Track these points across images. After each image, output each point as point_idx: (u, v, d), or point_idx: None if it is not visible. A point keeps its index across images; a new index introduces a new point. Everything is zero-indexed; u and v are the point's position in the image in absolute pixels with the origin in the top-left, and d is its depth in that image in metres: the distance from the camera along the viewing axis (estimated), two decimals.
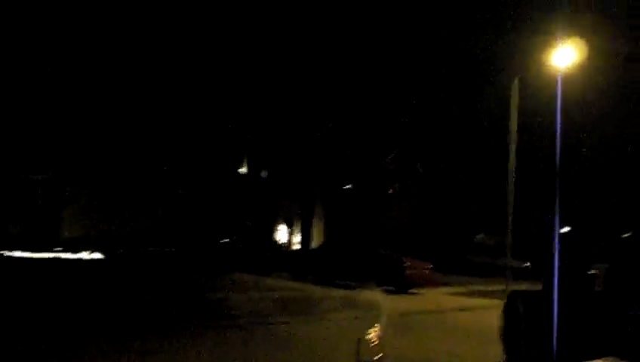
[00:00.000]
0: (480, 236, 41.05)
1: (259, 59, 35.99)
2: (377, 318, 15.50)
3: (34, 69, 27.80)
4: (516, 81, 23.26)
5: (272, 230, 39.21)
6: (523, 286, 20.73)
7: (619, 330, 6.14)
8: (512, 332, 6.63)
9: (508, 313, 6.78)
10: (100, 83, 29.49)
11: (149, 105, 31.09)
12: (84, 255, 26.65)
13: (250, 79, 35.65)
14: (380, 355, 10.60)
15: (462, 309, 18.30)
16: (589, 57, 21.23)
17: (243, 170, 38.11)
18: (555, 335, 5.66)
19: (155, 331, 11.62)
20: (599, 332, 6.11)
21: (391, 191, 43.08)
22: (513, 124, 22.70)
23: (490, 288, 22.83)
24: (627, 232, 7.61)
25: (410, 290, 23.28)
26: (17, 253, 24.87)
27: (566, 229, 45.52)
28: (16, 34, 27.53)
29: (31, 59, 27.89)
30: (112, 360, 9.36)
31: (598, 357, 5.21)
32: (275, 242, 37.50)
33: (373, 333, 11.27)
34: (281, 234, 39.86)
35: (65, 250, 27.12)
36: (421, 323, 15.59)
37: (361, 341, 10.80)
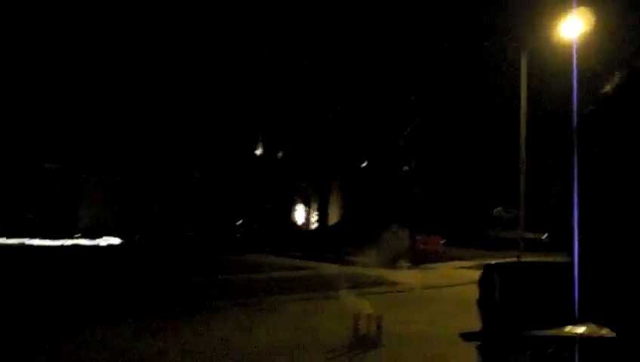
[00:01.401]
0: (498, 210, 41.02)
1: (271, 43, 36.07)
2: (383, 294, 15.73)
3: (46, 59, 28.10)
4: (524, 56, 23.17)
5: (290, 210, 39.43)
6: (536, 258, 20.77)
7: (600, 297, 6.26)
8: (486, 302, 6.82)
9: (483, 284, 6.92)
10: (113, 69, 29.72)
11: (163, 89, 31.29)
12: (103, 241, 27.08)
13: (263, 62, 35.76)
14: (376, 329, 10.85)
15: (470, 282, 18.37)
16: (599, 27, 21.07)
17: (259, 151, 38.31)
18: (576, 299, 5.84)
19: (160, 313, 11.91)
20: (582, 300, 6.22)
21: (406, 168, 43.08)
22: (523, 97, 22.66)
23: (502, 260, 22.85)
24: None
25: (423, 265, 23.42)
26: (37, 241, 25.37)
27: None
28: (27, 25, 27.82)
29: (44, 50, 28.19)
30: (126, 338, 9.71)
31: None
32: (294, 222, 37.73)
33: (368, 309, 11.52)
34: (299, 214, 40.09)
35: (84, 237, 27.57)
36: (427, 297, 15.74)
37: (358, 316, 11.05)
